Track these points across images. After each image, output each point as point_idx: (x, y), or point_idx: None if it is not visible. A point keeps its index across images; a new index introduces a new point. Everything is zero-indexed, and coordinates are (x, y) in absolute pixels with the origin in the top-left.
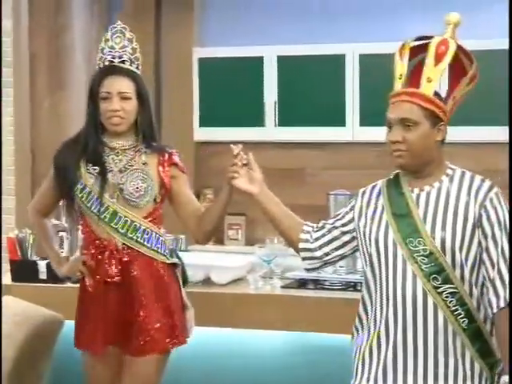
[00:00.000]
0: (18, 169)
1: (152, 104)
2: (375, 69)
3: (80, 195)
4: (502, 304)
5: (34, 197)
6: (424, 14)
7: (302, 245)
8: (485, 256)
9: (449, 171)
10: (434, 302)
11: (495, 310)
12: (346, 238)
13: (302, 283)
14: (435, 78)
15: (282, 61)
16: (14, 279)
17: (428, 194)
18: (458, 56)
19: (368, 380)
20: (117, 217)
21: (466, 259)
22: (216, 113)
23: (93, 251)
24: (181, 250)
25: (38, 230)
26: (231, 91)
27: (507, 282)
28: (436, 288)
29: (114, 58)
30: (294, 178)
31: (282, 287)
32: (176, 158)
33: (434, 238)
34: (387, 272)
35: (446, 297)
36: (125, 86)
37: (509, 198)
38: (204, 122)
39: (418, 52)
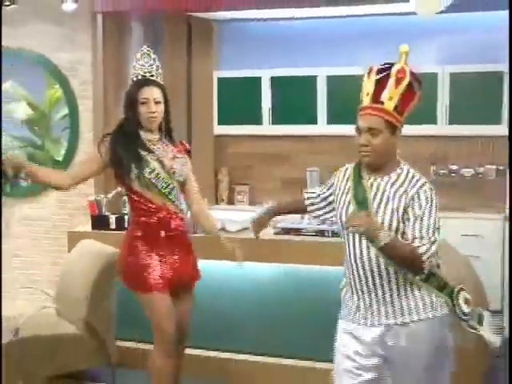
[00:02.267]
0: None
1: (185, 109)
2: (338, 85)
3: (149, 176)
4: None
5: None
6: (375, 46)
7: (309, 208)
8: (408, 228)
9: (398, 170)
10: (376, 260)
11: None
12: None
13: (287, 231)
14: (395, 97)
15: (274, 80)
16: (93, 228)
17: (378, 184)
18: (410, 79)
19: (348, 320)
20: (173, 190)
21: (401, 234)
22: (229, 115)
23: (150, 214)
24: None
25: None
26: (239, 100)
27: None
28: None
29: (145, 73)
30: (283, 159)
31: (274, 233)
32: (188, 146)
33: (379, 218)
34: (349, 241)
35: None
36: (157, 93)
37: (509, 192)
38: (221, 121)
39: (381, 75)
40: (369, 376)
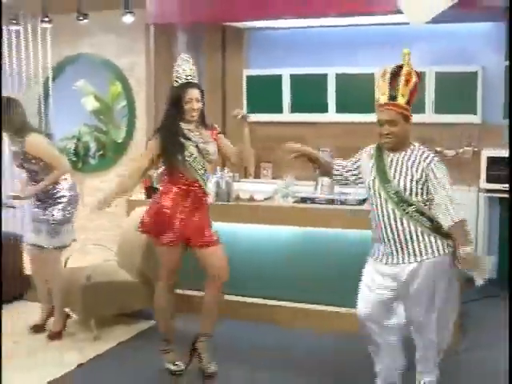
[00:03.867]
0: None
1: (220, 101)
2: (344, 82)
3: (188, 159)
4: (450, 223)
5: None
6: (375, 50)
7: (335, 172)
8: (434, 196)
9: (411, 146)
10: (399, 217)
11: (447, 226)
12: (356, 172)
13: (304, 200)
14: (405, 94)
15: (293, 77)
16: (146, 197)
17: (398, 159)
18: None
19: (376, 259)
20: (204, 170)
21: (416, 195)
22: (256, 105)
23: (184, 187)
24: (236, 181)
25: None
26: (264, 93)
27: (447, 209)
28: (404, 210)
29: (187, 77)
30: (300, 141)
31: (293, 202)
32: (218, 129)
33: (398, 184)
34: (376, 203)
35: (412, 213)
36: (197, 93)
37: (509, 193)
38: (249, 110)
39: (394, 76)
40: (384, 297)
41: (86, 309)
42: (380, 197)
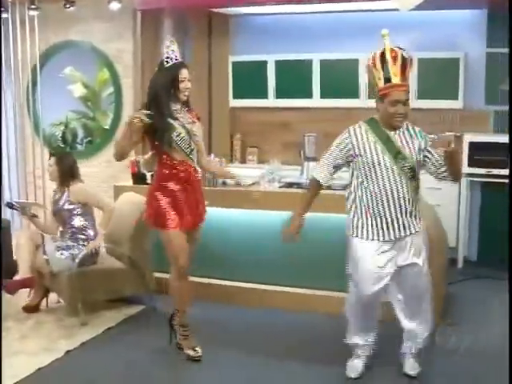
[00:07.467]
0: None
1: (206, 86)
2: (329, 67)
3: (176, 139)
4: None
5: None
6: (359, 37)
7: (326, 184)
8: (431, 160)
9: (403, 125)
10: (407, 189)
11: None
12: (343, 161)
13: (289, 185)
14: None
15: (278, 63)
16: (133, 183)
17: (400, 135)
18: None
19: (368, 239)
20: (193, 151)
21: (419, 166)
22: (241, 91)
23: (172, 168)
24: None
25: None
26: (249, 79)
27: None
28: (409, 179)
29: (177, 58)
30: (285, 126)
31: (279, 187)
32: (198, 114)
33: (411, 157)
34: (382, 176)
35: (413, 183)
36: (188, 73)
37: (509, 191)
38: (235, 96)
39: (402, 58)
40: (385, 282)
41: (73, 294)
42: (392, 171)
